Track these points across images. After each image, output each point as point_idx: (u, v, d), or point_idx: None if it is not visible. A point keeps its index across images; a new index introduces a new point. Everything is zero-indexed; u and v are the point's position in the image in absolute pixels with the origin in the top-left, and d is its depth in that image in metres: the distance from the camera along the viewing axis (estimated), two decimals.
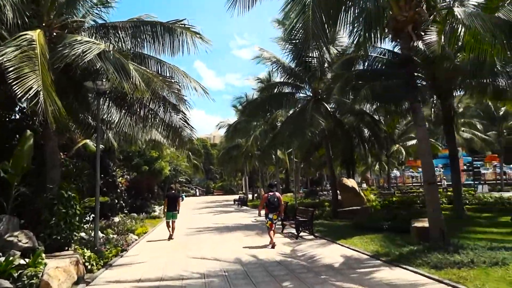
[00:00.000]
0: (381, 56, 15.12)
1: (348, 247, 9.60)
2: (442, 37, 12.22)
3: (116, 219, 15.10)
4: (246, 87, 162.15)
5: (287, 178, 53.82)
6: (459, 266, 6.59)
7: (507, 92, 17.39)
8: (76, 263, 7.05)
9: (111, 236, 11.07)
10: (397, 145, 33.93)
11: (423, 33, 8.92)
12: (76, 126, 11.44)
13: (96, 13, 10.47)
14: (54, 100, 6.43)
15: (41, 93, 6.08)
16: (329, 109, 18.54)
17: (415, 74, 12.70)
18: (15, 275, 5.76)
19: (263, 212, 11.08)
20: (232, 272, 7.47)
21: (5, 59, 6.22)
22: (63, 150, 12.25)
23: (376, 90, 13.77)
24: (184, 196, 50.17)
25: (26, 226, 8.15)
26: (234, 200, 36.14)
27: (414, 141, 34.89)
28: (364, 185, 50.07)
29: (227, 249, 10.17)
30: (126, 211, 18.36)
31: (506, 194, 19.88)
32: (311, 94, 18.63)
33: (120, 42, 9.96)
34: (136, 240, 12.39)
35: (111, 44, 8.55)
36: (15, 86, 6.03)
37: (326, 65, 17.24)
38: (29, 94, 5.99)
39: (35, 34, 7.11)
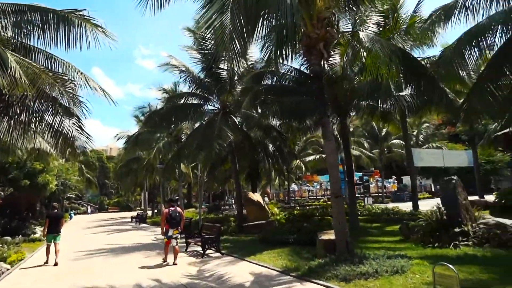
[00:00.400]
0: (288, 73, 15.65)
1: (257, 264, 9.29)
2: (344, 59, 13.21)
3: None
4: (149, 98, 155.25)
5: (189, 193, 52.46)
6: (366, 277, 6.76)
7: (392, 115, 19.77)
8: None
9: None
10: (298, 161, 35.75)
11: (332, 52, 9.31)
12: None
13: None
14: None
15: None
16: (237, 123, 18.46)
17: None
18: None
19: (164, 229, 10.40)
20: None
21: None
22: None
23: (285, 106, 14.11)
24: (72, 214, 44.72)
25: None
26: (132, 217, 33.39)
27: (312, 157, 37.42)
28: (267, 199, 51.52)
29: (125, 274, 8.97)
30: None
31: (390, 205, 22.19)
32: (219, 107, 18.33)
33: None
34: (8, 270, 10.14)
35: None
36: None
37: (236, 77, 17.18)
38: None
39: None
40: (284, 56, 10.14)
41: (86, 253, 13.27)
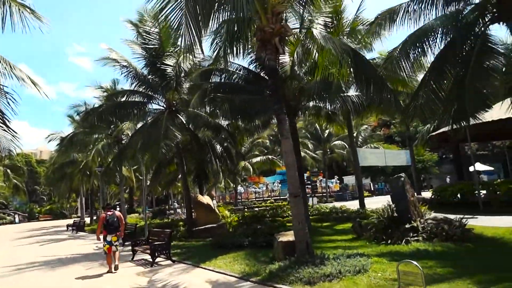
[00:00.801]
0: (237, 71, 15.26)
1: (212, 270, 8.72)
2: (294, 57, 13.14)
3: None
4: (85, 98, 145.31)
5: (131, 197, 49.81)
6: (330, 278, 6.54)
7: (337, 116, 20.29)
8: None
9: None
10: (245, 162, 35.49)
11: (287, 48, 9.08)
12: None
13: None
14: None
15: None
16: (184, 122, 17.65)
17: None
18: None
19: (102, 235, 9.77)
20: None
21: None
22: None
23: (235, 104, 13.70)
24: None
25: None
26: (68, 226, 30.68)
27: (258, 158, 37.42)
28: (214, 202, 50.60)
29: None
30: None
31: (337, 204, 22.72)
32: (165, 105, 17.36)
33: None
34: None
35: None
36: None
37: (183, 75, 16.40)
38: None
39: None
40: (234, 53, 9.82)
41: (15, 268, 11.66)
